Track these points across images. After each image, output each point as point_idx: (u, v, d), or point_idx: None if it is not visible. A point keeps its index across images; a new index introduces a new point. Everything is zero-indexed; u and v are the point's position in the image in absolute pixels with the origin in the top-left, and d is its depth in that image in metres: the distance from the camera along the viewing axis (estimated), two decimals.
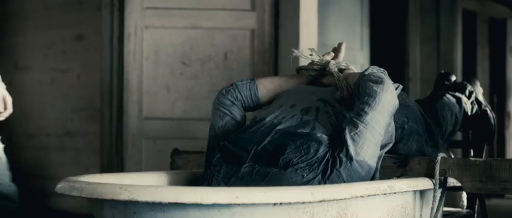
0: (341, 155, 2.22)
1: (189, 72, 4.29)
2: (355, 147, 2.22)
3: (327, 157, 2.23)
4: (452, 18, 6.89)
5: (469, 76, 4.69)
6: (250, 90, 2.65)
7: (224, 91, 2.65)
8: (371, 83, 2.34)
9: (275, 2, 4.39)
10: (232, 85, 2.67)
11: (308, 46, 3.82)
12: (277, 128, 2.39)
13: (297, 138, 2.30)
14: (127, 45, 4.29)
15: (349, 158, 2.21)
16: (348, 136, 2.23)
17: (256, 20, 4.33)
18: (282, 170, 2.22)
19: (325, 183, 2.18)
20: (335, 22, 5.25)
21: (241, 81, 2.69)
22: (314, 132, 2.31)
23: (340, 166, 2.20)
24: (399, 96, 2.47)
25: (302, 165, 2.22)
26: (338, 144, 2.25)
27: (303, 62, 2.86)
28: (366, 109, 2.28)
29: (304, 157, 2.23)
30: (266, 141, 2.34)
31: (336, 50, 2.79)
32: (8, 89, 3.00)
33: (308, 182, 2.18)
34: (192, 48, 4.30)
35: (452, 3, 6.89)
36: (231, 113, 2.60)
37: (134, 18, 4.27)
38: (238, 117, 2.62)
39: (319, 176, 2.20)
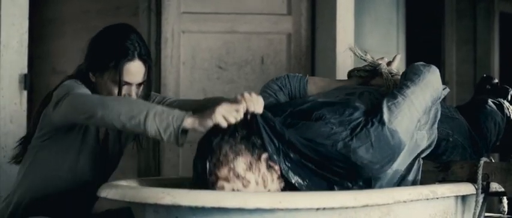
0: (374, 120, 2.24)
1: (226, 76, 4.30)
2: (390, 116, 2.24)
3: (359, 119, 2.24)
4: (489, 21, 6.81)
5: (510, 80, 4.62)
6: (300, 82, 2.68)
7: (275, 78, 2.69)
8: (418, 65, 2.45)
9: (312, 6, 4.38)
10: (284, 75, 2.71)
11: (343, 50, 3.82)
12: (318, 100, 2.43)
13: (336, 105, 2.34)
14: (164, 50, 4.30)
15: (382, 123, 2.22)
16: (384, 105, 2.27)
17: (293, 24, 4.33)
18: (313, 122, 2.25)
19: (351, 139, 2.17)
20: (371, 26, 5.22)
21: (293, 74, 2.74)
22: (353, 103, 2.35)
23: (371, 126, 2.21)
24: (446, 109, 2.51)
25: (333, 121, 2.24)
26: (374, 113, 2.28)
27: (348, 64, 2.87)
28: (408, 84, 2.35)
29: (337, 116, 2.26)
30: (304, 105, 2.38)
31: (390, 62, 2.84)
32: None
33: (335, 135, 2.18)
34: (229, 53, 4.31)
35: (489, 6, 6.81)
36: (277, 97, 2.62)
37: (171, 23, 4.29)
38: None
39: (348, 131, 2.20)
